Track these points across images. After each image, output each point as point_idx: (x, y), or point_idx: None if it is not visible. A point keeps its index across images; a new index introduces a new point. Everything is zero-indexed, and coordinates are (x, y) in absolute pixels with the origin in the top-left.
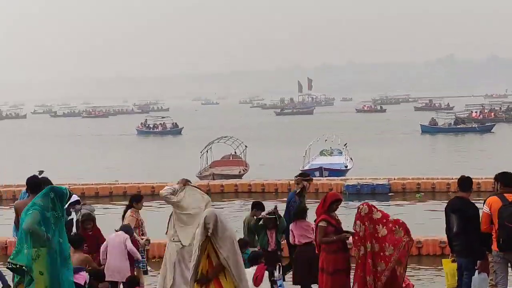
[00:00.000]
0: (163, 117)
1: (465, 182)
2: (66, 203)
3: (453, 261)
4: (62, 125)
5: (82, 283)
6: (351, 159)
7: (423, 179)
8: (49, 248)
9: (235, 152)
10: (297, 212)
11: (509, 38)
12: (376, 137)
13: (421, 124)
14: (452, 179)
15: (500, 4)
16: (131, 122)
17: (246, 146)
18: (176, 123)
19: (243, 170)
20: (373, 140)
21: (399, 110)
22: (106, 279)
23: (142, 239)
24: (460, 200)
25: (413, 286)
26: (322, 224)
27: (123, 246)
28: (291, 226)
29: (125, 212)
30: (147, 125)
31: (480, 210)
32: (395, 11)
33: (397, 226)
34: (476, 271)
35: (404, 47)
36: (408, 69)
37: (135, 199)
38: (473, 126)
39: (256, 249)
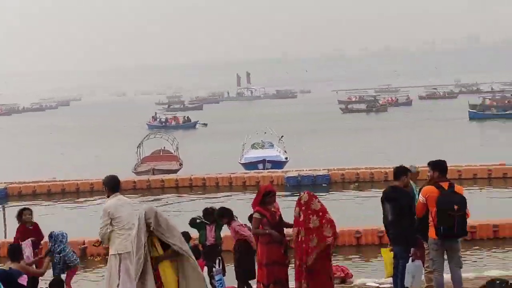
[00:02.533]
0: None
1: (398, 171)
2: None
3: (391, 250)
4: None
5: (25, 284)
6: (285, 151)
7: (361, 169)
8: None
9: (164, 147)
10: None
11: None
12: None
13: None
14: (390, 168)
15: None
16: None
17: (177, 142)
18: (188, 117)
19: (179, 165)
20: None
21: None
22: None
23: None
24: (394, 189)
25: (352, 276)
26: (255, 215)
27: None
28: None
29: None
30: (158, 119)
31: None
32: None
33: (328, 225)
34: (410, 259)
35: None
36: None
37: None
38: None
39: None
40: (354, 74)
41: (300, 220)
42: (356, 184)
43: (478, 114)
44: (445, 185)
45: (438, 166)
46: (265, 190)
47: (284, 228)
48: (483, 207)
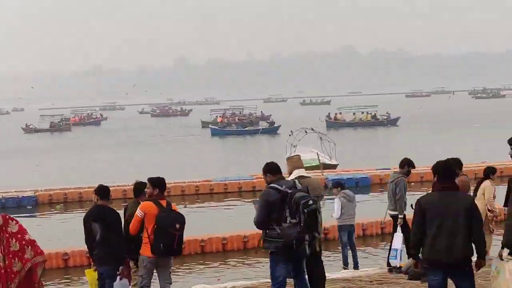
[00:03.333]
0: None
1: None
2: None
3: (95, 270)
4: None
5: None
6: None
7: (70, 189)
8: None
9: None
10: None
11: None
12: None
13: None
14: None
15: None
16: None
17: None
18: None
19: None
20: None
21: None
22: None
23: None
24: (101, 208)
25: None
26: None
27: None
28: None
29: None
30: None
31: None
32: None
33: (29, 247)
34: (118, 277)
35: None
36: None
37: None
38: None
39: None
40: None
41: (2, 245)
42: (62, 205)
43: (219, 131)
44: (163, 202)
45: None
46: None
47: None
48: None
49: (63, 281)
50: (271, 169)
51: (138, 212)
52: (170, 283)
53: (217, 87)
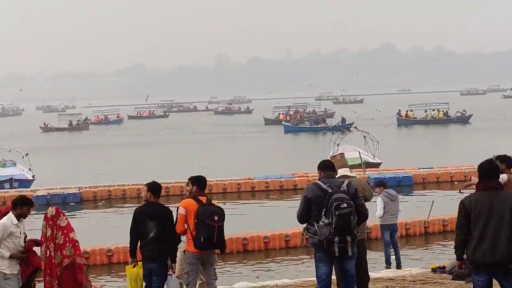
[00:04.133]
0: None
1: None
2: None
3: (134, 267)
4: None
5: None
6: (30, 169)
7: (114, 186)
8: None
9: None
10: None
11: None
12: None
13: None
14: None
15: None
16: None
17: None
18: None
19: None
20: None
21: None
22: None
23: None
24: (154, 205)
25: None
26: None
27: None
28: None
29: None
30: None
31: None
32: None
33: (70, 244)
34: (171, 275)
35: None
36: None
37: None
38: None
39: None
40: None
41: (48, 235)
42: (103, 202)
43: (292, 128)
44: (203, 199)
45: (197, 181)
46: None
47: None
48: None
49: (107, 277)
50: (321, 166)
51: (180, 210)
52: (216, 279)
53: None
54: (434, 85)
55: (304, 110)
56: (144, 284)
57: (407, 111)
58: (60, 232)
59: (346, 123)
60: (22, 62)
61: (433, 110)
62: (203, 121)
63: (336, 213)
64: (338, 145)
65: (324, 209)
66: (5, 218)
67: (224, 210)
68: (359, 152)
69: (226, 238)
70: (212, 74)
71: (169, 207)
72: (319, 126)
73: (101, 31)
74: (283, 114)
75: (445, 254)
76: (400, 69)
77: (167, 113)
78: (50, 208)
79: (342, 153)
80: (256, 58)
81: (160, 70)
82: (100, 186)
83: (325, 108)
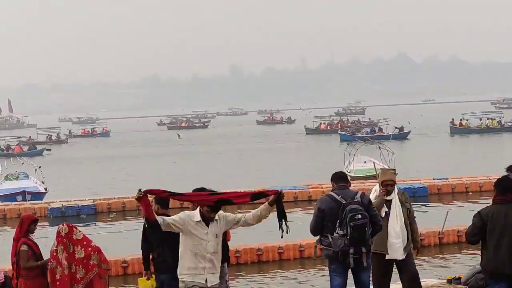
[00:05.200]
0: None
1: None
2: None
3: (148, 279)
4: None
5: None
6: (43, 182)
7: (128, 198)
8: None
9: None
10: None
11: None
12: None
13: None
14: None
15: None
16: None
17: None
18: None
19: None
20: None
21: None
22: None
23: None
24: None
25: None
26: (23, 248)
27: None
28: None
29: None
30: None
31: None
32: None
33: (96, 252)
34: None
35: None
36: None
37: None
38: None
39: None
40: None
41: (66, 253)
42: (115, 214)
43: (348, 137)
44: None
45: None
46: (31, 220)
47: None
48: None
49: None
50: (334, 177)
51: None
52: None
53: (273, 95)
54: (458, 95)
55: (348, 119)
56: None
57: (461, 120)
58: (79, 246)
59: (404, 131)
60: (37, 73)
61: (488, 118)
62: (245, 132)
63: (351, 224)
64: (354, 155)
65: (338, 221)
66: None
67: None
68: (374, 163)
69: (240, 249)
70: (227, 84)
71: None
72: (376, 134)
73: (114, 42)
74: (324, 124)
75: (460, 265)
76: (416, 78)
77: (206, 124)
78: (60, 226)
79: (394, 169)
80: (271, 69)
81: (174, 80)
82: (114, 198)
83: (369, 118)
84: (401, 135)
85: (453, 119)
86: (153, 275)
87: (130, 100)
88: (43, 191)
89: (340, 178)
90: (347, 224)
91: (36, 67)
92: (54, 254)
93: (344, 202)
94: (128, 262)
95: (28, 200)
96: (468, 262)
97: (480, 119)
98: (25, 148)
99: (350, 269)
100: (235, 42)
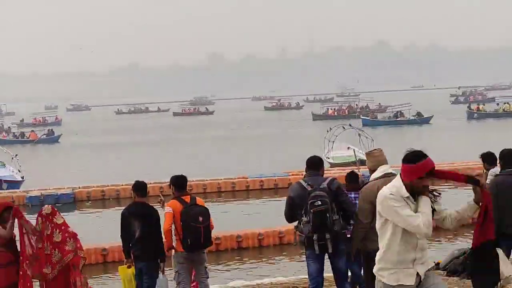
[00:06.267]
0: None
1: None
2: None
3: (128, 267)
4: None
5: None
6: (19, 170)
7: (107, 186)
8: None
9: None
10: None
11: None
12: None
13: None
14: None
15: None
16: None
17: None
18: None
19: None
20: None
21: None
22: None
23: None
24: (140, 205)
25: None
26: None
27: None
28: None
29: None
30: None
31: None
32: None
33: (71, 239)
34: (160, 273)
35: None
36: None
37: None
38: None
39: None
40: None
41: (43, 233)
42: (90, 202)
43: (370, 121)
44: (187, 199)
45: (176, 182)
46: (4, 207)
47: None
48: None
49: (102, 276)
50: (307, 164)
51: (167, 209)
52: (207, 277)
53: (251, 83)
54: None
55: (356, 105)
56: (136, 283)
57: (478, 105)
58: (58, 229)
59: (424, 116)
60: (15, 62)
61: (504, 103)
62: (255, 117)
63: (311, 210)
64: (333, 142)
65: (304, 208)
66: None
67: (208, 209)
68: (354, 150)
69: (220, 235)
70: (206, 72)
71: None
72: (397, 119)
73: (95, 31)
74: (332, 110)
75: (438, 250)
76: (396, 66)
77: (211, 110)
78: (45, 206)
79: (380, 149)
80: (251, 57)
81: (154, 69)
82: (93, 187)
83: (379, 103)
84: (424, 120)
85: (469, 104)
86: (133, 263)
87: (110, 89)
88: (20, 179)
89: (310, 165)
90: (309, 211)
91: (14, 55)
92: (36, 228)
93: (309, 189)
94: (107, 250)
95: (5, 189)
96: (446, 248)
97: (497, 104)
98: (39, 134)
99: (328, 255)
100: (215, 30)
